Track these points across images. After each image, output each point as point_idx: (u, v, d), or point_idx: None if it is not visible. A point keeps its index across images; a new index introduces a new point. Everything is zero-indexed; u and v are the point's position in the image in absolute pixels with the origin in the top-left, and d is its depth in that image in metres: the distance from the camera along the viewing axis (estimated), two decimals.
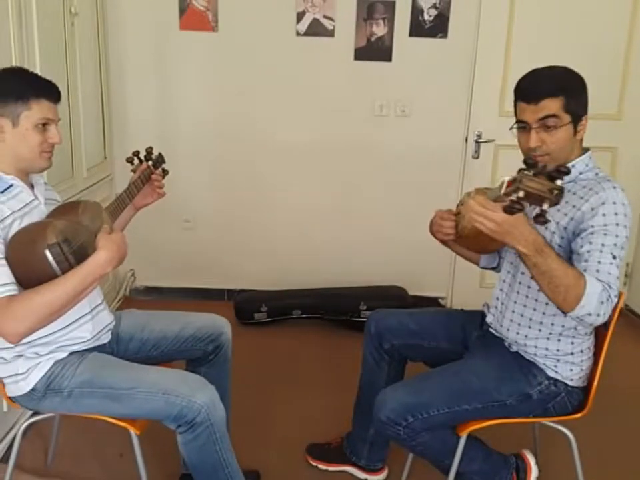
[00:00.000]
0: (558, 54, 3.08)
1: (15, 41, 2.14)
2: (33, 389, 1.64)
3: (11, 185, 1.61)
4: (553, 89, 1.61)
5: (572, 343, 1.70)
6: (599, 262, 1.51)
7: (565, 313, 1.50)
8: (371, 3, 3.15)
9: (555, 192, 1.25)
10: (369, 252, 3.50)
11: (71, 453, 2.20)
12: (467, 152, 3.32)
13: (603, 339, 1.73)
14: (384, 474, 2.14)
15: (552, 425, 1.77)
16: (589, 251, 1.53)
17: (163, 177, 2.04)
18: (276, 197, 3.46)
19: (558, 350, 1.70)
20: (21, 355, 1.63)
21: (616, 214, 1.55)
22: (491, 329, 1.86)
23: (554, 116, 1.60)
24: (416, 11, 3.17)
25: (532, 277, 1.51)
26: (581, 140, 1.69)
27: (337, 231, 3.49)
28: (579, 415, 1.74)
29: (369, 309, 3.20)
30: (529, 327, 1.72)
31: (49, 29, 2.44)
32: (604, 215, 1.55)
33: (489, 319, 1.87)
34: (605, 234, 1.53)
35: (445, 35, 3.20)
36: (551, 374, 1.70)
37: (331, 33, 3.21)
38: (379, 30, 3.19)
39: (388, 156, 3.37)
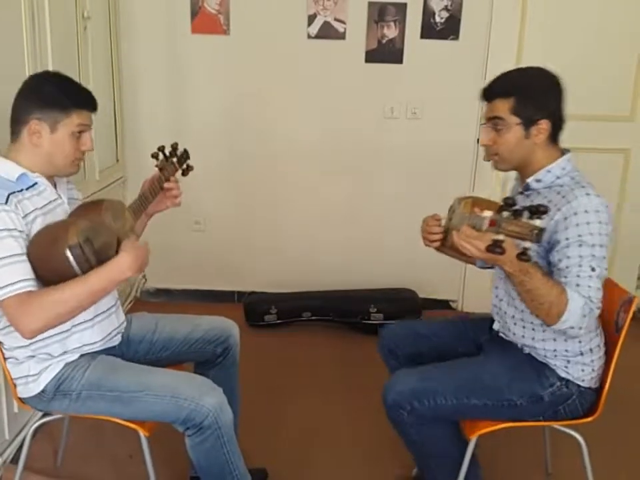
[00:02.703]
0: (570, 55, 3.10)
1: (28, 45, 2.16)
2: (42, 391, 1.65)
3: (36, 183, 1.63)
4: (505, 89, 1.62)
5: (580, 342, 1.67)
6: (578, 276, 1.51)
7: (548, 325, 1.53)
8: (382, 5, 3.14)
9: (535, 232, 1.29)
10: (379, 254, 3.49)
11: (81, 454, 2.22)
12: (478, 154, 3.30)
13: (616, 342, 1.71)
14: None
15: (562, 429, 1.75)
16: (567, 267, 1.53)
17: (187, 173, 2.04)
18: (287, 199, 3.47)
19: (567, 350, 1.68)
20: (33, 356, 1.64)
21: (588, 223, 1.52)
22: (500, 334, 1.85)
23: (500, 118, 1.61)
24: (427, 13, 3.16)
25: (516, 291, 1.53)
26: (556, 143, 1.66)
27: (347, 233, 3.49)
28: (589, 419, 1.73)
29: (379, 311, 3.21)
30: (533, 330, 1.71)
31: (62, 33, 2.45)
32: (577, 225, 1.52)
33: (495, 326, 1.87)
34: (580, 245, 1.52)
35: (456, 37, 3.18)
36: (563, 374, 1.69)
37: (342, 36, 3.21)
38: (390, 32, 3.19)
39: (398, 158, 3.36)
